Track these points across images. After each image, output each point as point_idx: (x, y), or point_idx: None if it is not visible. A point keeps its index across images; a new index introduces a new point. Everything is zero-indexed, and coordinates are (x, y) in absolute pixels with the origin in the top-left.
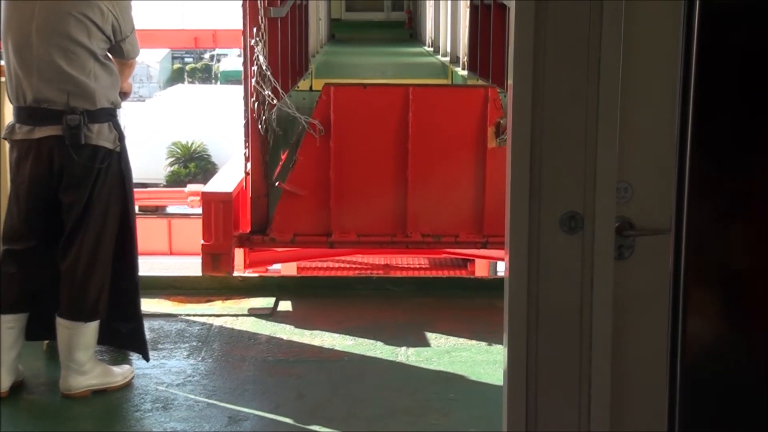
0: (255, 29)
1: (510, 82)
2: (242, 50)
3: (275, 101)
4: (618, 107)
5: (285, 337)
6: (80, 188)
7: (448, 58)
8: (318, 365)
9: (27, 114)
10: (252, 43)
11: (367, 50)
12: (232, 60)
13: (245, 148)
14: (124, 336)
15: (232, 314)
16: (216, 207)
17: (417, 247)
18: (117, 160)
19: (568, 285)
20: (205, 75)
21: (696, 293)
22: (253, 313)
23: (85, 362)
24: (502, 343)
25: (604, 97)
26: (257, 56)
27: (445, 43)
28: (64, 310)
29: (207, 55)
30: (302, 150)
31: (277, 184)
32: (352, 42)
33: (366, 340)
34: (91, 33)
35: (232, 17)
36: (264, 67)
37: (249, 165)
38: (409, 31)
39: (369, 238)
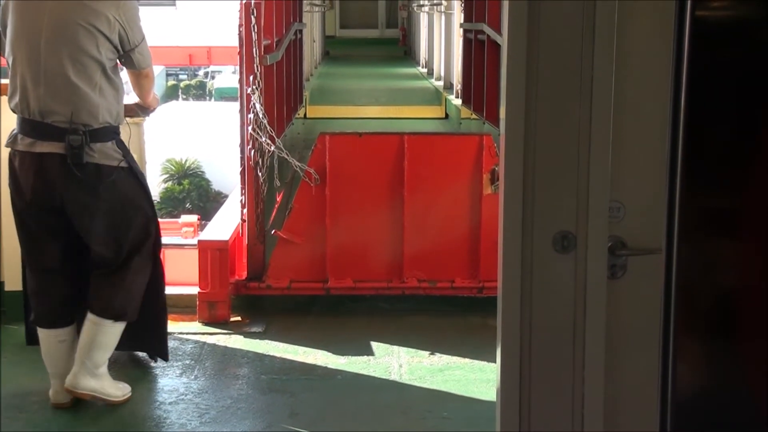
0: (251, 77)
1: (503, 104)
2: (239, 97)
3: (272, 147)
4: (610, 127)
5: (278, 355)
6: (88, 206)
7: (441, 83)
8: (311, 383)
9: (30, 127)
10: (248, 92)
11: (361, 71)
12: (226, 77)
13: (242, 194)
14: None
15: (224, 332)
16: (212, 255)
17: (413, 293)
18: (126, 174)
19: (561, 304)
20: (200, 92)
21: (688, 313)
22: (246, 331)
23: (100, 365)
24: (495, 362)
25: (596, 117)
26: (254, 104)
27: (439, 67)
28: (94, 306)
29: (201, 72)
30: (298, 198)
31: (273, 232)
32: (346, 60)
33: (359, 358)
34: (100, 43)
35: (226, 34)
36: (261, 116)
37: (245, 211)
38: (403, 48)
39: (365, 283)
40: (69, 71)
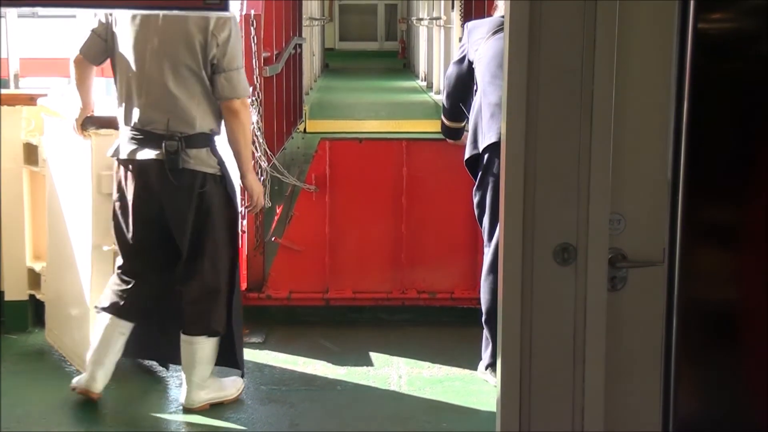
0: (251, 89)
1: (504, 115)
2: None
3: (266, 165)
4: (611, 138)
5: (277, 366)
6: (183, 212)
7: (441, 97)
8: (311, 394)
9: (131, 135)
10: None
11: (360, 85)
12: None
13: (241, 205)
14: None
15: None
16: None
17: (413, 304)
18: (221, 184)
19: (561, 316)
20: None
21: (689, 325)
22: (246, 341)
23: (206, 377)
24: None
25: (596, 129)
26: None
27: (439, 80)
28: (186, 326)
29: None
30: (298, 205)
31: (273, 239)
32: (345, 73)
33: (359, 368)
34: (199, 58)
35: None
36: (255, 128)
37: (245, 222)
38: (403, 60)
39: (365, 294)
40: (169, 82)
